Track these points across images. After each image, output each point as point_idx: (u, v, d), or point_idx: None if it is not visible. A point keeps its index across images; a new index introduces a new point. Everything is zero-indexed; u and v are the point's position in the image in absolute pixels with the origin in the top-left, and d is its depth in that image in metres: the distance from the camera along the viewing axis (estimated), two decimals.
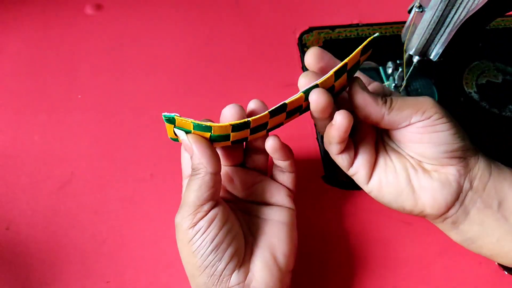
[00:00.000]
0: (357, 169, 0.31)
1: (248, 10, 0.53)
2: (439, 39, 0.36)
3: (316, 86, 0.28)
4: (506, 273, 0.34)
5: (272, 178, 0.33)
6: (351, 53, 0.28)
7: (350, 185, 0.39)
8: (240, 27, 0.51)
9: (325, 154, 0.41)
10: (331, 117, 0.29)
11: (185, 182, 0.32)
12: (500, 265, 0.33)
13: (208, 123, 0.28)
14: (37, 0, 0.52)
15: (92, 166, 0.40)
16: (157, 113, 0.44)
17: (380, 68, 0.47)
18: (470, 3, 0.32)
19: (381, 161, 0.31)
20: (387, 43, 0.49)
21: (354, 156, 0.31)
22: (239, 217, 0.31)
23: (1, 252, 0.35)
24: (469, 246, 0.32)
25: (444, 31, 0.35)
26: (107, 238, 0.36)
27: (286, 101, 0.28)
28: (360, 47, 0.28)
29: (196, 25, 0.51)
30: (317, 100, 0.27)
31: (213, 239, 0.27)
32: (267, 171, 0.34)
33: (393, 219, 0.37)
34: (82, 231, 0.37)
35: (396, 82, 0.44)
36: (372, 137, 0.32)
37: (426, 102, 0.29)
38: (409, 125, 0.29)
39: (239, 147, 0.32)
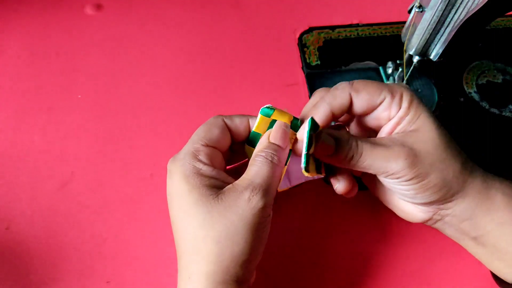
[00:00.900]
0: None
1: (248, 10, 0.53)
2: (439, 39, 0.36)
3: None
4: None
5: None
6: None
7: None
8: (240, 27, 0.51)
9: None
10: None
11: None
12: (493, 275, 0.33)
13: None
14: (37, 0, 0.52)
15: (92, 166, 0.40)
16: (157, 113, 0.44)
17: (380, 68, 0.47)
18: (470, 3, 0.32)
19: None
20: (387, 43, 0.49)
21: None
22: None
23: (1, 252, 0.35)
24: None
25: (444, 31, 0.35)
26: (107, 238, 0.36)
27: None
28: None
29: (196, 25, 0.51)
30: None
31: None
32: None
33: (393, 219, 0.37)
34: (82, 231, 0.37)
35: (396, 82, 0.44)
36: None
37: (397, 162, 0.28)
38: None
39: None
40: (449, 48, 0.36)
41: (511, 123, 0.44)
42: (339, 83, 0.31)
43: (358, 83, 0.30)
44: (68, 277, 0.34)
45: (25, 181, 0.39)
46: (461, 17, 0.33)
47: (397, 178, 0.28)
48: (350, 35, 0.50)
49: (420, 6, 0.35)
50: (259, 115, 0.31)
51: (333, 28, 0.51)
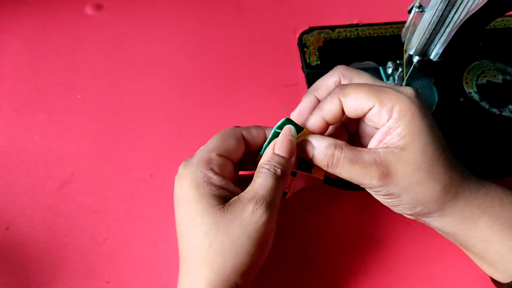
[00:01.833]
0: None
1: (248, 10, 0.53)
2: (439, 39, 0.36)
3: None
4: None
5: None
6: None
7: (350, 185, 0.39)
8: (240, 27, 0.51)
9: None
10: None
11: None
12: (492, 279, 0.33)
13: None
14: (37, 0, 0.52)
15: (92, 166, 0.40)
16: (157, 113, 0.44)
17: (380, 68, 0.47)
18: (470, 3, 0.32)
19: None
20: (387, 43, 0.49)
21: None
22: None
23: (1, 252, 0.35)
24: None
25: (444, 31, 0.35)
26: (107, 238, 0.36)
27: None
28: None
29: (196, 25, 0.51)
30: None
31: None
32: None
33: (393, 219, 0.37)
34: (82, 231, 0.37)
35: (396, 82, 0.44)
36: None
37: (370, 181, 0.28)
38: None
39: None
40: (449, 48, 0.36)
41: (511, 123, 0.44)
42: (337, 86, 0.31)
43: (349, 88, 0.29)
44: (68, 277, 0.34)
45: (25, 181, 0.39)
46: (461, 17, 0.33)
47: (373, 191, 0.29)
48: (350, 35, 0.50)
49: (420, 6, 0.35)
50: (279, 131, 0.31)
51: (333, 28, 0.51)
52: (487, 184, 0.30)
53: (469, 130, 0.43)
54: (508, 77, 0.47)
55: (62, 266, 0.35)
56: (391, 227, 0.37)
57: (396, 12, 0.51)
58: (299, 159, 0.31)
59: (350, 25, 0.51)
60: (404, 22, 0.39)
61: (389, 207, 0.31)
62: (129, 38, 0.50)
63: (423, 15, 0.35)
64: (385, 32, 0.51)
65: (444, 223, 0.30)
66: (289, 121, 0.31)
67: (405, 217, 0.37)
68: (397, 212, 0.31)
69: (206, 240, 0.27)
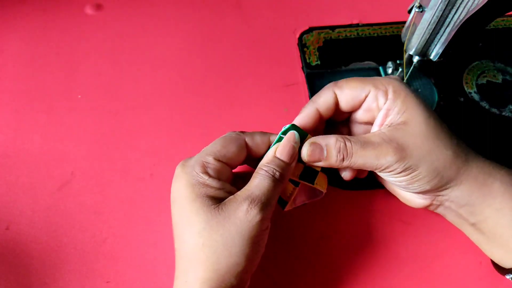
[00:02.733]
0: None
1: (248, 10, 0.53)
2: (439, 39, 0.36)
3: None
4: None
5: None
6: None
7: (350, 185, 0.39)
8: (241, 27, 0.51)
9: None
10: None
11: None
12: (493, 263, 0.33)
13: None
14: (37, 0, 0.52)
15: (92, 166, 0.40)
16: (157, 113, 0.44)
17: (380, 68, 0.47)
18: (470, 3, 0.32)
19: None
20: (387, 43, 0.49)
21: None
22: None
23: (1, 252, 0.35)
24: None
25: (444, 31, 0.35)
26: (107, 238, 0.36)
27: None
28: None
29: (196, 25, 0.51)
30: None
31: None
32: None
33: (393, 219, 0.37)
34: (82, 231, 0.37)
35: (385, 76, 0.44)
36: None
37: (386, 159, 0.29)
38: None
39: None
40: (449, 48, 0.36)
41: (511, 123, 0.44)
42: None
43: (342, 81, 0.32)
44: (68, 277, 0.35)
45: (25, 181, 0.39)
46: (461, 17, 0.33)
47: (389, 172, 0.29)
48: (350, 35, 0.50)
49: (420, 6, 0.35)
50: (283, 136, 0.31)
51: (333, 28, 0.51)
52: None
53: (469, 130, 0.43)
54: (508, 77, 0.47)
55: (62, 266, 0.35)
56: (391, 227, 0.37)
57: (396, 12, 0.51)
58: (303, 169, 0.31)
59: (350, 25, 0.51)
60: (404, 22, 0.39)
61: (406, 188, 0.31)
62: (129, 38, 0.50)
63: (423, 15, 0.35)
64: (385, 32, 0.50)
65: (462, 192, 0.30)
66: (294, 127, 0.31)
67: (405, 217, 0.37)
68: (415, 191, 0.31)
69: (200, 239, 0.28)
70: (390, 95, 0.30)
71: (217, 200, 0.28)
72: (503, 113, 0.45)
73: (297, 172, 0.31)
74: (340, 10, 0.53)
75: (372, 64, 0.48)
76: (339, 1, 0.54)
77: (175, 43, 0.49)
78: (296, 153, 0.30)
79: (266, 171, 0.29)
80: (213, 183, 0.29)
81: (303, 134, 0.31)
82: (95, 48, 0.48)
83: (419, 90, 0.46)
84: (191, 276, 0.28)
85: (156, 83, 0.46)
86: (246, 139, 0.32)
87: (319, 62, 0.48)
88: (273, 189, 0.28)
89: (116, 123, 0.43)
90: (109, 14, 0.52)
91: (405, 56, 0.40)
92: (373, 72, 0.47)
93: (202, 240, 0.27)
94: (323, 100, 0.32)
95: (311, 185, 0.31)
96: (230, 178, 0.32)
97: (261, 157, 0.32)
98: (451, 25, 0.34)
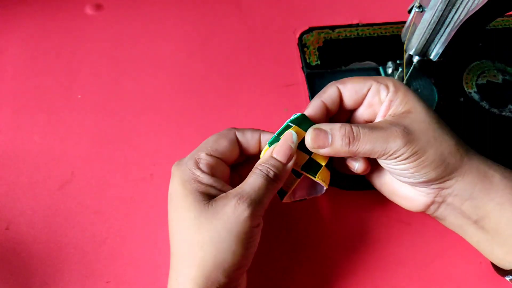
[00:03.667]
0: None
1: (248, 10, 0.53)
2: (439, 39, 0.36)
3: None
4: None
5: None
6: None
7: (350, 185, 0.39)
8: (240, 27, 0.51)
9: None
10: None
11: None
12: (493, 265, 0.33)
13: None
14: (37, 0, 0.52)
15: (92, 166, 0.40)
16: (157, 113, 0.44)
17: (380, 68, 0.47)
18: (470, 3, 0.32)
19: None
20: (387, 43, 0.49)
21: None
22: None
23: (1, 252, 0.35)
24: None
25: (444, 31, 0.35)
26: (107, 238, 0.36)
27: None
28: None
29: (196, 25, 0.51)
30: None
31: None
32: None
33: (393, 219, 0.37)
34: (82, 231, 0.37)
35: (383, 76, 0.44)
36: None
37: (395, 141, 0.29)
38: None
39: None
40: (449, 48, 0.36)
41: (511, 123, 0.44)
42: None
43: (345, 79, 0.33)
44: (68, 277, 0.35)
45: (25, 181, 0.39)
46: (461, 17, 0.33)
47: (396, 157, 0.29)
48: (350, 35, 0.50)
49: (420, 6, 0.35)
50: (292, 125, 0.31)
51: (333, 28, 0.51)
52: None
53: (469, 130, 0.43)
54: (508, 77, 0.47)
55: (62, 266, 0.35)
56: (390, 228, 0.37)
57: (396, 12, 0.51)
58: (307, 160, 0.31)
59: (350, 25, 0.51)
60: (404, 22, 0.39)
61: (411, 177, 0.30)
62: (129, 38, 0.50)
63: (423, 15, 0.35)
64: (385, 32, 0.50)
65: (465, 184, 0.30)
66: (304, 117, 0.31)
67: (405, 217, 0.37)
68: (420, 181, 0.30)
69: (189, 236, 0.28)
70: (391, 88, 0.31)
71: (209, 197, 0.28)
72: (503, 113, 0.45)
73: (300, 162, 0.31)
74: (340, 10, 0.53)
75: (372, 64, 0.48)
76: (339, 1, 0.54)
77: (175, 43, 0.49)
78: (293, 154, 0.30)
79: (260, 170, 0.29)
80: (205, 178, 0.29)
81: (311, 123, 0.31)
82: (95, 48, 0.48)
83: (419, 90, 0.46)
84: (181, 274, 0.28)
85: (156, 83, 0.46)
86: (236, 134, 0.32)
87: (319, 62, 0.48)
88: (265, 188, 0.28)
89: (116, 123, 0.43)
90: (109, 14, 0.52)
91: (405, 56, 0.40)
92: (373, 72, 0.47)
93: (190, 237, 0.28)
94: (328, 94, 0.32)
95: (313, 178, 0.31)
96: (226, 175, 0.32)
97: (254, 155, 0.32)
98: (451, 25, 0.34)
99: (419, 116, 0.30)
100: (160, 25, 0.51)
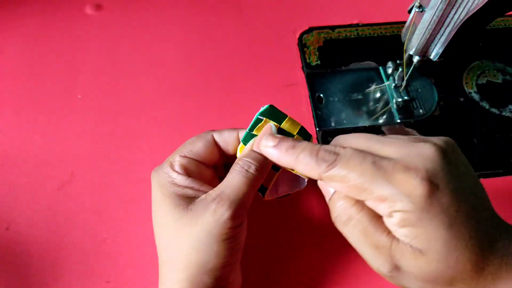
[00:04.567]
0: None
1: (248, 10, 0.53)
2: (439, 39, 0.36)
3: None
4: None
5: None
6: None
7: None
8: (240, 27, 0.51)
9: None
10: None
11: None
12: None
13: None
14: (37, 0, 0.52)
15: (92, 166, 0.40)
16: (157, 113, 0.44)
17: (380, 68, 0.47)
18: (470, 3, 0.32)
19: None
20: (387, 43, 0.49)
21: None
22: None
23: (1, 252, 0.35)
24: None
25: (444, 31, 0.35)
26: (107, 238, 0.36)
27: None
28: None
29: (196, 25, 0.51)
30: None
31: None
32: None
33: None
34: (82, 231, 0.37)
35: (396, 82, 0.45)
36: None
37: (383, 266, 0.23)
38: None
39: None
40: (449, 48, 0.36)
41: (511, 123, 0.44)
42: (325, 149, 0.25)
43: (335, 171, 0.24)
44: (68, 277, 0.35)
45: (25, 181, 0.39)
46: (461, 17, 0.33)
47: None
48: (350, 35, 0.50)
49: (420, 6, 0.35)
50: (263, 118, 0.31)
51: (333, 28, 0.51)
52: None
53: (469, 130, 0.43)
54: (508, 77, 0.47)
55: (62, 266, 0.35)
56: None
57: (396, 12, 0.51)
58: None
59: (350, 25, 0.51)
60: (404, 22, 0.39)
61: None
62: (129, 38, 0.49)
63: (423, 15, 0.35)
64: (385, 32, 0.51)
65: None
66: (272, 108, 0.31)
67: None
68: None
69: (171, 240, 0.28)
70: (396, 216, 0.22)
71: (188, 199, 0.28)
72: (503, 113, 0.45)
73: None
74: (340, 10, 0.53)
75: (372, 64, 0.48)
76: (339, 1, 0.54)
77: (175, 43, 0.49)
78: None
79: (241, 165, 0.28)
80: (181, 180, 0.29)
81: (282, 115, 0.31)
82: (95, 48, 0.48)
83: (419, 90, 0.46)
84: (166, 277, 0.28)
85: (156, 83, 0.46)
86: (214, 135, 0.32)
87: (319, 62, 0.48)
88: (245, 185, 0.28)
89: (116, 123, 0.43)
90: (109, 14, 0.52)
91: (405, 56, 0.40)
92: (373, 72, 0.47)
93: (173, 241, 0.28)
94: (304, 170, 0.26)
95: (292, 170, 0.30)
96: (207, 177, 0.31)
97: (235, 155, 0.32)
98: (451, 25, 0.34)
99: (430, 266, 0.22)
100: (160, 25, 0.51)
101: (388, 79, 0.46)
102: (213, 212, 0.27)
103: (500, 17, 0.52)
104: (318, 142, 0.42)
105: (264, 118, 0.31)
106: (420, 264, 0.22)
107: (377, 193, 0.22)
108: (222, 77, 0.47)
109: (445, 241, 0.22)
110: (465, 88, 0.46)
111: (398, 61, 0.45)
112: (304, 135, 0.31)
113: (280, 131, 0.31)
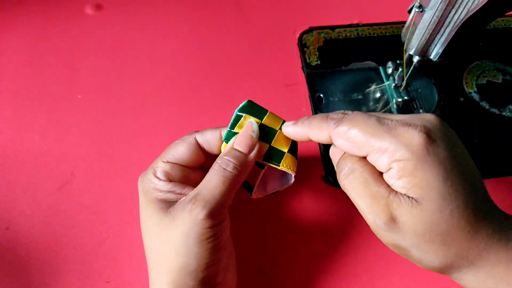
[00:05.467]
0: None
1: (248, 10, 0.53)
2: (439, 39, 0.36)
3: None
4: None
5: None
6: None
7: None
8: (240, 27, 0.51)
9: (325, 154, 0.41)
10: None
11: None
12: None
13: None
14: (37, 0, 0.52)
15: (92, 166, 0.40)
16: (157, 113, 0.44)
17: (380, 68, 0.47)
18: (470, 3, 0.32)
19: None
20: (387, 43, 0.49)
21: None
22: None
23: (1, 252, 0.35)
24: None
25: (444, 31, 0.35)
26: (107, 238, 0.36)
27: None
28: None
29: (196, 25, 0.51)
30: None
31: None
32: None
33: None
34: (82, 231, 0.37)
35: (396, 82, 0.44)
36: None
37: (379, 216, 0.24)
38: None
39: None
40: (449, 48, 0.36)
41: (511, 123, 0.44)
42: (335, 112, 0.28)
43: (342, 126, 0.26)
44: (68, 277, 0.35)
45: (25, 181, 0.39)
46: (461, 17, 0.33)
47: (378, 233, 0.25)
48: (350, 35, 0.50)
49: (420, 6, 0.35)
50: (242, 114, 0.30)
51: (333, 28, 0.51)
52: None
53: (469, 130, 0.43)
54: (508, 77, 0.47)
55: (62, 266, 0.35)
56: None
57: (396, 12, 0.51)
58: (268, 149, 0.30)
59: (350, 25, 0.51)
60: (404, 22, 0.39)
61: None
62: (129, 38, 0.49)
63: (423, 15, 0.35)
64: (385, 32, 0.50)
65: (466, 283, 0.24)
66: (251, 103, 0.30)
67: None
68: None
69: (154, 244, 0.28)
70: (394, 165, 0.24)
71: (169, 203, 0.28)
72: (503, 113, 0.45)
73: (262, 152, 0.30)
74: (340, 10, 0.53)
75: (372, 64, 0.48)
76: (339, 1, 0.54)
77: (175, 43, 0.49)
78: (254, 143, 0.29)
79: (219, 164, 0.28)
80: (163, 186, 0.29)
81: (263, 110, 0.30)
82: (95, 48, 0.48)
83: (419, 90, 0.46)
84: (154, 283, 0.28)
85: (156, 83, 0.46)
86: (196, 136, 0.31)
87: (319, 62, 0.48)
88: (222, 184, 0.28)
89: (116, 123, 0.43)
90: (109, 14, 0.52)
91: (405, 56, 0.40)
92: (373, 72, 0.47)
93: (155, 245, 0.28)
94: (316, 135, 0.28)
95: (276, 166, 0.30)
96: (191, 179, 0.31)
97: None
98: (451, 25, 0.34)
99: (424, 215, 0.23)
100: (160, 25, 0.51)
101: (388, 79, 0.46)
102: (189, 213, 0.27)
103: (500, 17, 0.52)
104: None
105: (244, 114, 0.30)
106: (415, 213, 0.23)
107: (378, 145, 0.24)
108: (222, 77, 0.47)
109: (440, 192, 0.23)
110: (465, 88, 0.46)
111: (398, 61, 0.45)
112: None
113: (262, 127, 0.30)
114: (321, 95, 0.46)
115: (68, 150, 0.41)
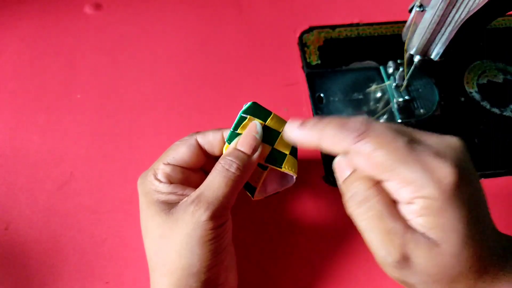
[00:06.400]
0: None
1: (248, 10, 0.52)
2: (440, 39, 0.36)
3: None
4: None
5: None
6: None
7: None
8: (240, 27, 0.51)
9: (325, 155, 0.41)
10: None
11: None
12: None
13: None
14: (37, 0, 0.52)
15: (92, 166, 0.40)
16: (157, 113, 0.44)
17: (381, 67, 0.47)
18: (471, 3, 0.32)
19: None
20: (388, 43, 0.49)
21: None
22: None
23: (0, 252, 0.35)
24: None
25: (445, 31, 0.35)
26: (107, 238, 0.36)
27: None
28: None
29: (196, 25, 0.51)
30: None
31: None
32: None
33: None
34: (81, 231, 0.37)
35: (397, 82, 0.44)
36: None
37: (390, 254, 0.22)
38: None
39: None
40: (450, 48, 0.36)
41: None
42: (354, 120, 0.24)
43: (363, 146, 0.22)
44: (67, 277, 0.34)
45: (24, 181, 0.39)
46: (462, 17, 0.33)
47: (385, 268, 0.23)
48: (351, 35, 0.50)
49: (421, 6, 0.35)
50: (247, 116, 0.30)
51: (333, 27, 0.50)
52: None
53: (470, 130, 0.43)
54: (509, 77, 0.47)
55: (61, 266, 0.35)
56: None
57: (397, 12, 0.51)
58: (270, 151, 0.30)
59: (350, 25, 0.51)
60: (405, 22, 0.39)
61: None
62: (128, 38, 0.49)
63: (424, 14, 0.35)
64: (386, 32, 0.50)
65: None
66: (256, 105, 0.30)
67: None
68: None
69: (155, 246, 0.28)
70: (417, 203, 0.21)
71: (171, 205, 0.28)
72: (504, 113, 0.44)
73: (264, 154, 0.30)
74: (341, 10, 0.52)
75: (372, 63, 0.48)
76: (340, 0, 0.53)
77: (175, 43, 0.49)
78: (258, 144, 0.29)
79: (222, 165, 0.28)
80: (164, 188, 0.29)
81: (267, 112, 0.30)
82: (94, 48, 0.48)
83: (420, 90, 0.46)
84: (156, 284, 0.28)
85: (156, 83, 0.46)
86: (197, 138, 0.31)
87: (319, 62, 0.48)
88: (225, 185, 0.27)
89: (116, 123, 0.43)
90: (109, 14, 0.51)
91: (406, 55, 0.40)
92: (374, 72, 0.47)
93: (157, 247, 0.28)
94: (329, 146, 0.25)
95: (279, 168, 0.30)
96: (194, 180, 0.31)
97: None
98: (452, 25, 0.34)
99: (443, 259, 0.21)
100: (159, 25, 0.51)
101: (388, 78, 0.46)
102: (191, 214, 0.27)
103: (501, 16, 0.51)
104: None
105: (248, 116, 0.30)
106: (432, 256, 0.21)
107: (404, 175, 0.21)
108: (222, 76, 0.47)
109: (462, 235, 0.21)
110: (466, 88, 0.46)
111: (398, 61, 0.45)
112: None
113: (266, 128, 0.30)
114: (322, 95, 0.46)
115: (67, 150, 0.41)
